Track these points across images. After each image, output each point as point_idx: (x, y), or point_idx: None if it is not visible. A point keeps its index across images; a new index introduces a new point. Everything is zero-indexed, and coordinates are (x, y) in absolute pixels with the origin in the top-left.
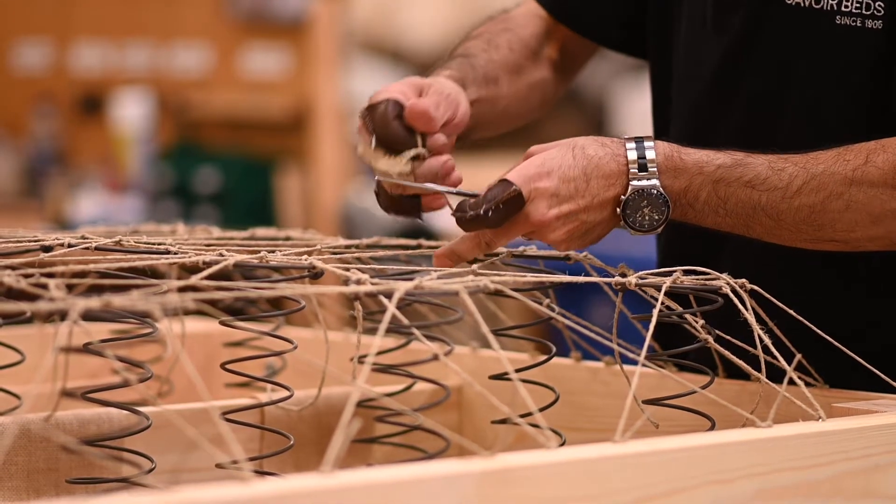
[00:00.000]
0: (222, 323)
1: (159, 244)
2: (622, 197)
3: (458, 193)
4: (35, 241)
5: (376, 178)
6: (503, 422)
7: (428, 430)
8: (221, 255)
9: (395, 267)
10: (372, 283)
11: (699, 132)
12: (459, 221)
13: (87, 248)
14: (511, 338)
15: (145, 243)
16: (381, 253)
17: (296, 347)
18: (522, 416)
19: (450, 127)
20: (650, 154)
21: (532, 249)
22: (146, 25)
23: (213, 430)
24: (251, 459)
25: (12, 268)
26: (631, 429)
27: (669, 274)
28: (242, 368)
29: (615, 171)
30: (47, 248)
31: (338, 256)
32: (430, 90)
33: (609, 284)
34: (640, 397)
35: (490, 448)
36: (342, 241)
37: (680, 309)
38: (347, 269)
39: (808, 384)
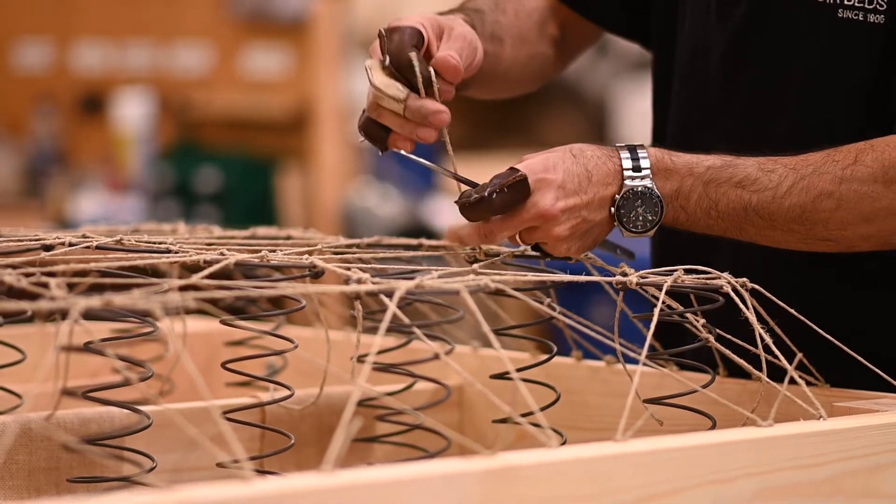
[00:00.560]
0: (223, 322)
1: (160, 243)
2: (616, 196)
3: (461, 179)
4: (36, 240)
5: (370, 91)
6: (504, 421)
7: (429, 430)
8: (222, 254)
9: (395, 266)
10: (373, 283)
11: (700, 123)
12: (462, 208)
13: (87, 248)
14: (512, 337)
15: (146, 242)
16: (381, 252)
17: (296, 346)
18: (523, 415)
19: (466, 71)
20: (643, 157)
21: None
22: (147, 25)
23: (214, 430)
24: (252, 459)
25: (13, 267)
26: (632, 428)
27: (670, 273)
28: (243, 368)
29: (612, 170)
30: (48, 248)
31: (339, 256)
32: (453, 34)
33: (610, 283)
34: (641, 396)
35: (491, 447)
36: (343, 241)
37: (681, 308)
38: (348, 269)
39: (809, 383)
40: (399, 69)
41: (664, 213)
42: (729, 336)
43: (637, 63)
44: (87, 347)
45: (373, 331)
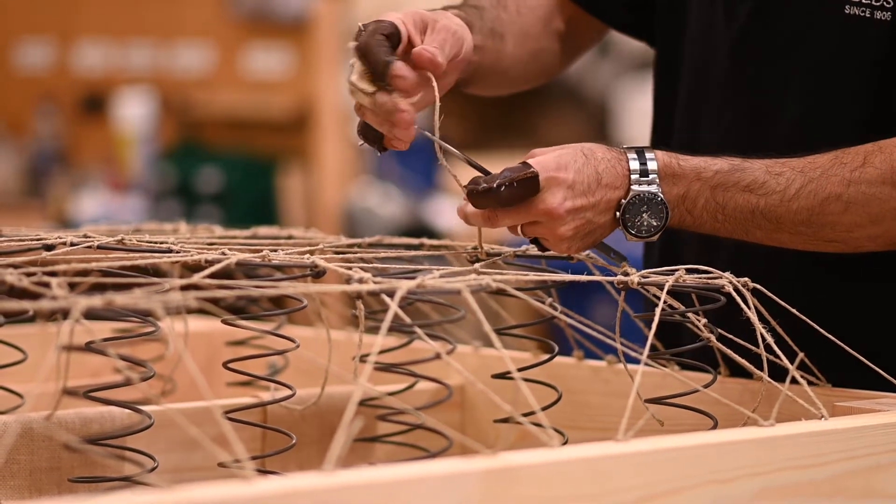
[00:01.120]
0: (224, 322)
1: (161, 243)
2: (622, 201)
3: (475, 165)
4: (37, 239)
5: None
6: (506, 421)
7: (430, 430)
8: (223, 253)
9: (397, 266)
10: (374, 282)
11: (704, 120)
12: (470, 194)
13: (89, 247)
14: (513, 337)
15: (147, 242)
16: (383, 252)
17: (298, 346)
18: (525, 414)
19: (453, 63)
20: (651, 161)
21: (534, 249)
22: (148, 25)
23: (216, 429)
24: (253, 458)
25: (15, 266)
26: (633, 428)
27: (672, 273)
28: (245, 367)
29: (620, 173)
30: (49, 247)
31: (340, 255)
32: (437, 27)
33: (612, 283)
34: (642, 396)
35: (492, 447)
36: (344, 240)
37: (682, 308)
38: (349, 268)
39: (810, 383)
40: (363, 59)
41: (669, 218)
42: (730, 336)
43: (638, 63)
44: (89, 347)
45: (374, 330)
